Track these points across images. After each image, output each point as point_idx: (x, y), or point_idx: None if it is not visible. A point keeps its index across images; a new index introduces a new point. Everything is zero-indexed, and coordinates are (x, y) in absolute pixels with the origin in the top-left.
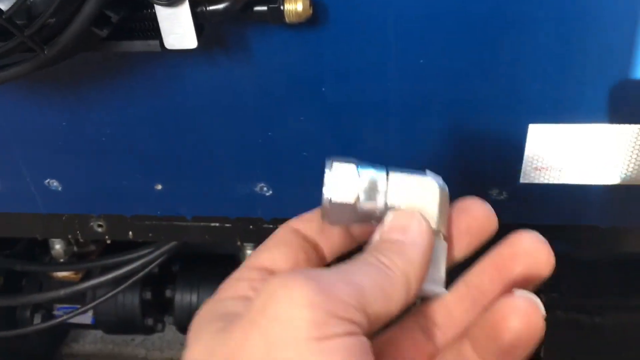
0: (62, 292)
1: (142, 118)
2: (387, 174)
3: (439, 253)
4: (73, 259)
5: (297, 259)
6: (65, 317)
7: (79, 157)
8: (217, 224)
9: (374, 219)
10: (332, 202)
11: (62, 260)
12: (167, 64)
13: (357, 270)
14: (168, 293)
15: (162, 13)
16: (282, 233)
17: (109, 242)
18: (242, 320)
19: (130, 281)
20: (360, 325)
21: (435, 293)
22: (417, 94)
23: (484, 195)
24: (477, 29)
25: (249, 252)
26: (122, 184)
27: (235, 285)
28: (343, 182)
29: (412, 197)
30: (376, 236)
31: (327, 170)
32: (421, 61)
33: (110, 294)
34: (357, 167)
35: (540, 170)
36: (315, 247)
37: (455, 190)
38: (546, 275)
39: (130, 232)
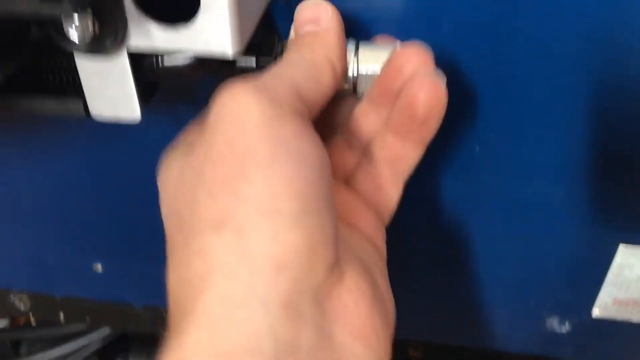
0: None
1: (75, 178)
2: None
3: None
4: None
5: None
6: None
7: None
8: None
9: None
10: None
11: None
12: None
13: (286, 68)
14: None
15: (86, 67)
16: None
17: (34, 323)
18: (202, 137)
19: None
20: (301, 110)
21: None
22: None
23: (540, 322)
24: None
25: None
26: (48, 258)
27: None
28: None
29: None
30: (291, 34)
31: None
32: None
33: None
34: None
35: (623, 304)
36: None
37: (504, 312)
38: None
39: (62, 313)
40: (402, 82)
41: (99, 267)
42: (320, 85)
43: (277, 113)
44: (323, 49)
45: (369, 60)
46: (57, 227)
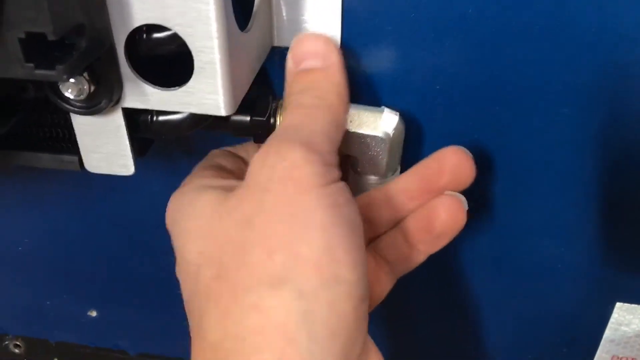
0: None
1: (70, 228)
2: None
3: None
4: None
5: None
6: None
7: None
8: None
9: None
10: None
11: None
12: None
13: (311, 119)
14: None
15: (81, 124)
16: (217, 152)
17: None
18: (249, 187)
19: None
20: (336, 165)
21: None
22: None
23: None
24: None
25: None
26: (44, 304)
27: (202, 173)
28: None
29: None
30: (289, 64)
31: None
32: None
33: None
34: None
35: None
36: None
37: None
38: (467, 185)
39: (56, 359)
40: (444, 182)
41: (93, 313)
42: (340, 128)
43: (324, 174)
44: (334, 89)
45: (354, 120)
46: (53, 273)
